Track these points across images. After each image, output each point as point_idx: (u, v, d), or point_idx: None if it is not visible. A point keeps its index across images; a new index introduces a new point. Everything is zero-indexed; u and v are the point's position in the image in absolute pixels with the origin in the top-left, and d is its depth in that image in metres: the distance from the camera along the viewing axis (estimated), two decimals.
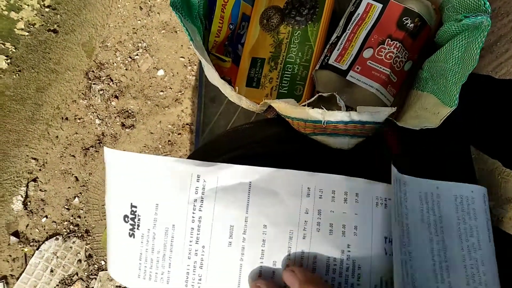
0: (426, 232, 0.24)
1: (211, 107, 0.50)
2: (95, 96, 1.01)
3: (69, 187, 1.01)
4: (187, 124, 0.98)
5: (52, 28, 0.99)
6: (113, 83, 1.01)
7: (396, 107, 0.28)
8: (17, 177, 1.01)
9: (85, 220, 1.00)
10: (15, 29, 0.97)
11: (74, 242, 0.99)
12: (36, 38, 0.99)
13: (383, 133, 0.35)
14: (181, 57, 0.99)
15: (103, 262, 0.98)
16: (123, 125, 1.00)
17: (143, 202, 0.24)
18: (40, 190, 1.02)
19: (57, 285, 0.97)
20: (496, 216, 0.84)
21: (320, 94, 0.32)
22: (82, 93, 1.02)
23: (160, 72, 1.00)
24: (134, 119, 1.00)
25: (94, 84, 1.02)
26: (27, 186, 1.01)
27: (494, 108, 0.42)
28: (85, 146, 1.02)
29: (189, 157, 0.38)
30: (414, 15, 0.34)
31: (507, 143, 0.42)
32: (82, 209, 1.01)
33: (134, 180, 0.25)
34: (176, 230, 0.24)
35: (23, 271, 0.97)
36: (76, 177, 1.02)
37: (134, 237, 0.25)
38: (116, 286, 0.96)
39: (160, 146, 0.99)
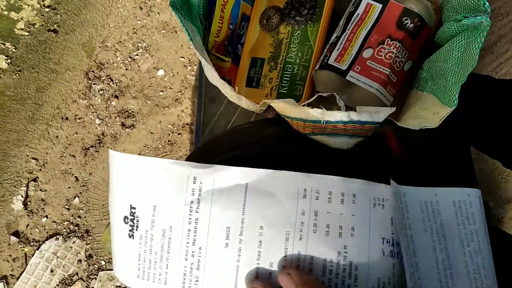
0: (429, 241, 0.24)
1: (211, 107, 0.50)
2: (95, 96, 1.01)
3: (69, 187, 1.01)
4: (187, 124, 0.98)
5: (52, 28, 0.99)
6: (113, 83, 1.01)
7: (395, 107, 0.28)
8: (17, 177, 1.01)
9: (85, 220, 1.00)
10: (15, 29, 0.97)
11: (74, 242, 0.99)
12: (36, 38, 0.99)
13: (383, 134, 0.35)
14: (181, 57, 0.99)
15: (103, 262, 0.98)
16: (123, 125, 1.00)
17: (141, 203, 0.25)
18: (40, 190, 1.02)
19: (57, 285, 0.97)
20: (496, 216, 0.84)
21: (319, 94, 0.32)
22: (82, 93, 1.02)
23: (160, 72, 1.00)
24: (134, 119, 1.00)
25: (94, 84, 1.02)
26: (27, 186, 1.02)
27: (494, 108, 0.42)
28: (85, 146, 1.02)
29: (188, 157, 0.38)
30: (413, 15, 0.34)
31: (507, 143, 0.42)
32: (82, 209, 1.01)
33: (133, 181, 0.25)
34: (173, 231, 0.24)
35: (23, 271, 0.97)
36: (76, 177, 1.02)
37: (133, 238, 0.25)
38: (116, 286, 0.96)
39: (160, 146, 0.99)
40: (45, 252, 0.98)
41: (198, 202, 0.24)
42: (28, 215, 1.01)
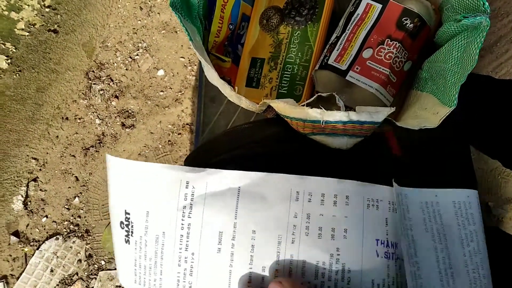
0: (430, 241, 0.24)
1: (211, 107, 0.50)
2: (95, 96, 1.01)
3: (69, 187, 1.01)
4: (187, 124, 0.98)
5: (52, 28, 1.00)
6: (113, 83, 1.01)
7: (395, 107, 0.28)
8: (17, 177, 1.01)
9: (85, 220, 1.00)
10: (16, 29, 0.97)
11: (74, 242, 0.99)
12: (37, 38, 0.99)
13: (383, 134, 0.35)
14: (181, 57, 0.99)
15: (103, 262, 0.98)
16: (123, 125, 1.00)
17: (135, 209, 0.25)
18: (40, 190, 1.02)
19: (57, 285, 0.97)
20: (496, 216, 0.84)
21: (319, 94, 0.32)
22: (82, 93, 1.02)
23: (160, 72, 1.00)
24: (134, 119, 1.00)
25: (94, 84, 1.02)
26: (27, 186, 1.02)
27: (494, 109, 0.42)
28: (85, 146, 1.02)
29: (188, 157, 0.38)
30: (413, 15, 0.34)
31: (507, 143, 0.42)
32: (82, 209, 1.01)
33: (128, 186, 0.25)
34: (166, 237, 0.24)
35: (23, 271, 0.97)
36: (76, 177, 1.02)
37: (129, 244, 0.25)
38: (116, 286, 0.96)
39: (160, 146, 0.99)
40: (45, 252, 0.98)
41: (191, 207, 0.23)
42: (28, 215, 1.01)
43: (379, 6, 0.35)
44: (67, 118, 1.02)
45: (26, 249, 0.99)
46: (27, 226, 1.01)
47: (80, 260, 0.98)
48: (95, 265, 0.98)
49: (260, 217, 0.23)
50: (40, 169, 1.02)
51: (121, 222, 0.25)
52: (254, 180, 0.24)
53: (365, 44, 0.35)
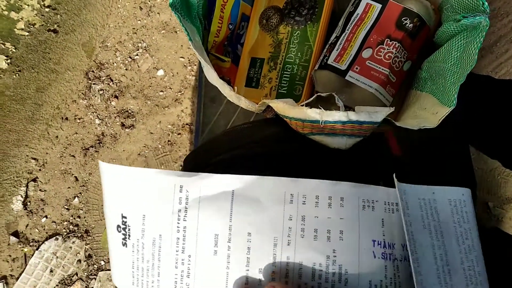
0: (428, 238, 0.24)
1: (210, 107, 0.50)
2: (95, 96, 1.01)
3: (69, 187, 1.01)
4: (187, 124, 0.98)
5: (52, 28, 1.00)
6: (113, 83, 1.01)
7: (394, 107, 0.28)
8: (17, 177, 1.01)
9: (85, 220, 1.00)
10: (15, 29, 0.97)
11: (73, 242, 0.99)
12: (36, 38, 0.99)
13: (383, 134, 0.35)
14: (181, 57, 0.99)
15: (102, 262, 0.98)
16: (123, 125, 1.00)
17: (131, 213, 0.25)
18: (40, 190, 1.02)
19: (57, 285, 0.97)
20: (496, 216, 0.84)
21: (318, 94, 0.32)
22: (82, 93, 1.02)
23: (160, 72, 1.00)
24: (134, 119, 1.00)
25: (94, 84, 1.02)
26: (27, 186, 1.02)
27: (494, 109, 0.42)
28: (85, 146, 1.02)
29: (187, 157, 0.38)
30: (413, 15, 0.34)
31: (506, 143, 0.42)
32: (82, 209, 1.01)
33: (123, 191, 0.25)
34: (162, 240, 0.24)
35: (22, 271, 0.97)
36: (76, 177, 1.02)
37: (126, 246, 0.25)
38: (116, 286, 0.96)
39: (160, 146, 0.99)
40: (45, 252, 0.98)
41: (186, 210, 0.24)
42: (27, 215, 1.01)
43: (379, 6, 0.35)
44: (66, 118, 1.02)
45: (25, 250, 0.99)
46: (26, 227, 1.01)
47: (79, 261, 0.98)
48: (95, 265, 0.98)
49: (255, 219, 0.23)
50: (39, 169, 1.02)
51: (118, 226, 0.26)
52: (248, 184, 0.24)
53: (365, 44, 0.35)
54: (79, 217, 1.01)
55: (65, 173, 1.02)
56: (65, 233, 1.00)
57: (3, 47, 0.97)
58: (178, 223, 0.24)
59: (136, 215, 0.25)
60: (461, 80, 0.27)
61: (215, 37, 0.40)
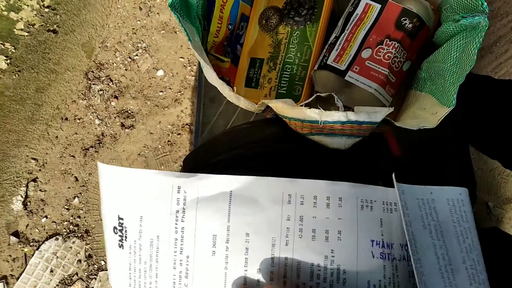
0: (428, 238, 0.24)
1: (210, 107, 0.50)
2: (95, 97, 1.01)
3: (69, 187, 1.01)
4: (186, 124, 0.98)
5: (51, 29, 1.00)
6: (112, 84, 1.01)
7: (393, 107, 0.28)
8: (17, 177, 1.01)
9: (85, 220, 1.00)
10: (15, 30, 0.97)
11: (74, 242, 0.99)
12: (36, 39, 0.99)
13: (383, 134, 0.35)
14: (181, 57, 0.99)
15: (103, 262, 0.98)
16: (122, 125, 1.00)
17: (128, 214, 0.25)
18: (40, 190, 1.02)
19: (57, 285, 0.97)
20: (496, 216, 0.84)
21: (318, 94, 0.32)
22: (82, 93, 1.02)
23: (160, 73, 1.00)
24: (134, 119, 1.00)
25: (93, 84, 1.02)
26: (27, 186, 1.02)
27: (494, 109, 0.42)
28: (84, 146, 1.02)
29: (187, 157, 0.38)
30: (412, 15, 0.34)
31: (506, 143, 0.42)
32: (82, 209, 1.01)
33: (121, 193, 0.25)
34: (160, 241, 0.24)
35: (23, 271, 0.97)
36: (76, 177, 1.02)
37: (123, 248, 0.25)
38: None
39: (160, 146, 0.99)
40: (45, 252, 0.98)
41: (184, 211, 0.24)
42: (27, 215, 1.01)
43: (378, 6, 0.35)
44: (66, 119, 1.02)
45: (25, 250, 0.99)
46: (26, 227, 1.01)
47: (80, 260, 0.98)
48: (95, 265, 0.98)
49: (253, 220, 0.23)
50: (39, 170, 1.02)
51: (115, 228, 0.25)
52: (245, 184, 0.24)
53: (364, 44, 0.35)
54: (79, 217, 1.01)
55: (65, 173, 1.02)
56: (65, 233, 1.00)
57: (2, 47, 0.97)
58: (176, 224, 0.24)
59: (133, 216, 0.25)
60: (460, 80, 0.27)
61: (214, 38, 0.40)
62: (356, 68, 0.35)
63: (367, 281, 0.23)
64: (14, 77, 0.98)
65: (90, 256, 0.99)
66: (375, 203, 0.24)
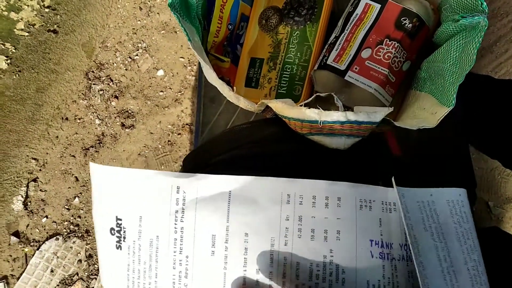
0: (430, 240, 0.24)
1: (210, 107, 0.50)
2: (95, 96, 1.01)
3: (69, 187, 1.01)
4: (186, 124, 0.98)
5: (52, 29, 1.00)
6: (113, 83, 1.01)
7: (392, 107, 0.28)
8: (17, 177, 1.01)
9: (85, 220, 1.00)
10: (15, 30, 0.97)
11: (74, 242, 0.99)
12: (36, 39, 0.99)
13: (383, 134, 0.35)
14: (181, 57, 0.99)
15: None
16: (123, 125, 1.00)
17: (127, 214, 0.25)
18: (40, 190, 1.02)
19: (58, 285, 0.97)
20: (496, 216, 0.83)
21: (317, 94, 0.32)
22: (82, 93, 1.02)
23: (160, 72, 1.00)
24: (134, 119, 1.00)
25: (94, 84, 1.02)
26: (27, 186, 1.02)
27: (494, 108, 0.42)
28: (85, 146, 1.02)
29: (187, 157, 0.38)
30: (412, 15, 0.34)
31: (506, 143, 0.42)
32: (82, 209, 1.01)
33: (118, 193, 0.25)
34: (160, 241, 0.24)
35: (23, 271, 0.97)
36: (76, 177, 1.02)
37: (121, 249, 0.25)
38: None
39: (160, 146, 0.99)
40: (45, 252, 0.98)
41: (183, 211, 0.24)
42: (28, 215, 1.01)
43: (378, 6, 0.35)
44: (67, 119, 1.03)
45: (26, 250, 0.99)
46: (27, 227, 1.01)
47: (80, 260, 0.98)
48: (95, 265, 0.98)
49: (252, 220, 0.23)
50: (40, 170, 1.02)
51: (112, 229, 0.25)
52: (244, 184, 0.24)
53: (364, 44, 0.35)
54: (79, 217, 1.01)
55: (65, 173, 1.02)
56: (66, 233, 1.00)
57: (3, 47, 0.97)
58: (175, 224, 0.24)
59: (133, 217, 0.25)
60: (460, 80, 0.27)
61: (214, 37, 0.40)
62: (356, 68, 0.35)
63: (366, 281, 0.23)
64: (14, 77, 0.98)
65: (90, 256, 0.99)
66: (374, 203, 0.24)
